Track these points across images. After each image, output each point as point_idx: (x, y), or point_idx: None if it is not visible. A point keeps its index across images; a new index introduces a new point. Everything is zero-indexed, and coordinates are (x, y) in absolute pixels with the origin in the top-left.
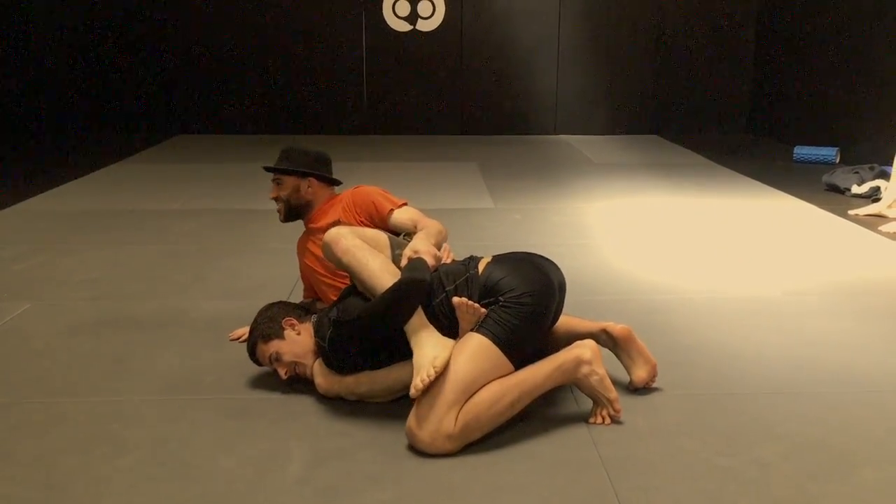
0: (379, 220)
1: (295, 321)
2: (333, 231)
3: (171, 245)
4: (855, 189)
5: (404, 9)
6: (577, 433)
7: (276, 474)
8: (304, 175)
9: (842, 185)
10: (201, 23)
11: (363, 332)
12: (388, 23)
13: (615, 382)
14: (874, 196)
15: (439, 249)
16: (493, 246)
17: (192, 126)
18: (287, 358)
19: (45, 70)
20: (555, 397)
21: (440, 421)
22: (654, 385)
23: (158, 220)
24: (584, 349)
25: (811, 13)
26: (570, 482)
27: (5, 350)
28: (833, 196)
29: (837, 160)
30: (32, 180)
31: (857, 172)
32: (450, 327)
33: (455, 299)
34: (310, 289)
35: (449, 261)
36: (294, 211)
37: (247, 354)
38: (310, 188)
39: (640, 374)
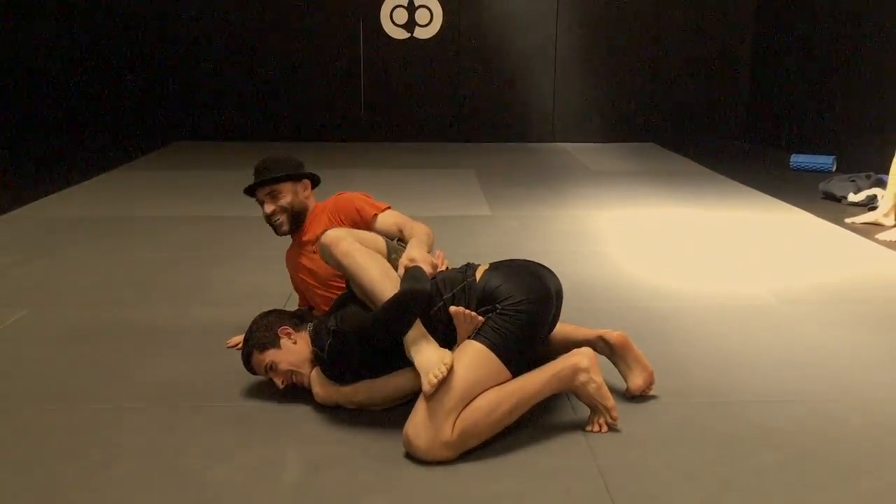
0: (363, 226)
1: (291, 330)
2: (332, 233)
3: (167, 252)
4: (851, 197)
5: (402, 16)
6: (574, 441)
7: (272, 482)
8: (298, 178)
9: (838, 193)
10: (199, 30)
11: (363, 342)
12: (386, 30)
13: (612, 390)
14: (871, 204)
15: (428, 253)
16: (490, 253)
17: (190, 133)
18: (283, 367)
19: (42, 76)
20: (551, 405)
21: (438, 429)
22: (651, 392)
23: (155, 227)
24: (582, 357)
25: (807, 22)
26: (567, 490)
27: (1, 356)
28: (830, 204)
29: (834, 168)
30: (30, 187)
31: (853, 181)
32: (446, 335)
33: (452, 309)
34: (304, 299)
35: (444, 267)
36: (297, 218)
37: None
38: (305, 191)
39: (636, 381)
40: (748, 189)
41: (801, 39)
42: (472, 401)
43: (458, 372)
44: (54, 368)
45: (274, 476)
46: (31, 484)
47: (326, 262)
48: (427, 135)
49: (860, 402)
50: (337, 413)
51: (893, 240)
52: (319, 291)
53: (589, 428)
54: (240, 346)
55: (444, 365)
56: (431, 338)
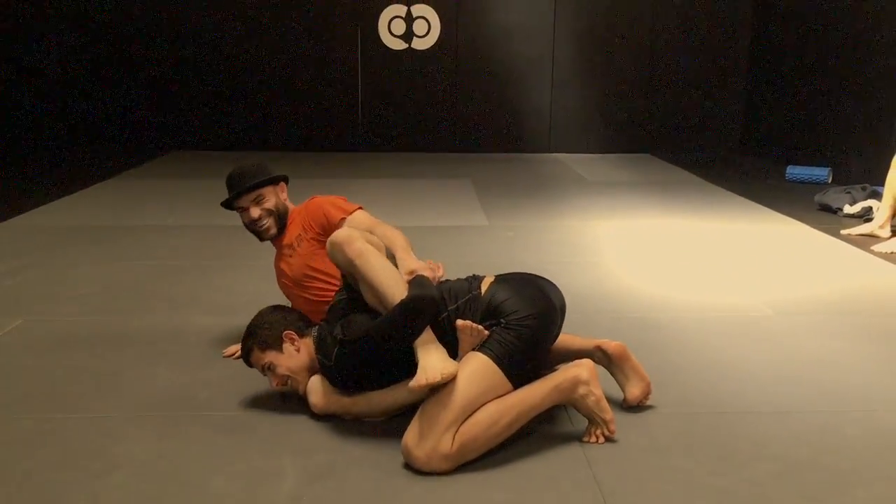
0: (331, 231)
1: (295, 336)
2: (345, 232)
3: (164, 261)
4: (847, 209)
5: (400, 27)
6: (571, 452)
7: (269, 491)
8: (276, 181)
9: (834, 204)
10: (196, 40)
11: (371, 350)
12: (384, 41)
13: (609, 400)
14: (866, 216)
15: None
16: (487, 263)
17: (186, 142)
18: (281, 371)
19: (39, 86)
20: (549, 416)
21: (438, 440)
22: (648, 403)
23: (152, 235)
24: (582, 369)
25: (803, 34)
26: (563, 501)
27: None
28: (825, 216)
29: (830, 180)
30: (26, 195)
31: (849, 192)
32: (451, 345)
33: (460, 322)
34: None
35: (441, 273)
36: (282, 220)
37: (240, 371)
38: (283, 192)
39: (633, 391)
40: (744, 200)
41: (797, 51)
42: (472, 413)
43: (461, 384)
44: (51, 378)
45: (272, 485)
46: (28, 494)
47: (334, 261)
48: (424, 145)
49: (856, 413)
50: (335, 423)
51: (889, 251)
52: (296, 291)
53: (586, 439)
54: (237, 355)
55: (444, 374)
56: (441, 345)
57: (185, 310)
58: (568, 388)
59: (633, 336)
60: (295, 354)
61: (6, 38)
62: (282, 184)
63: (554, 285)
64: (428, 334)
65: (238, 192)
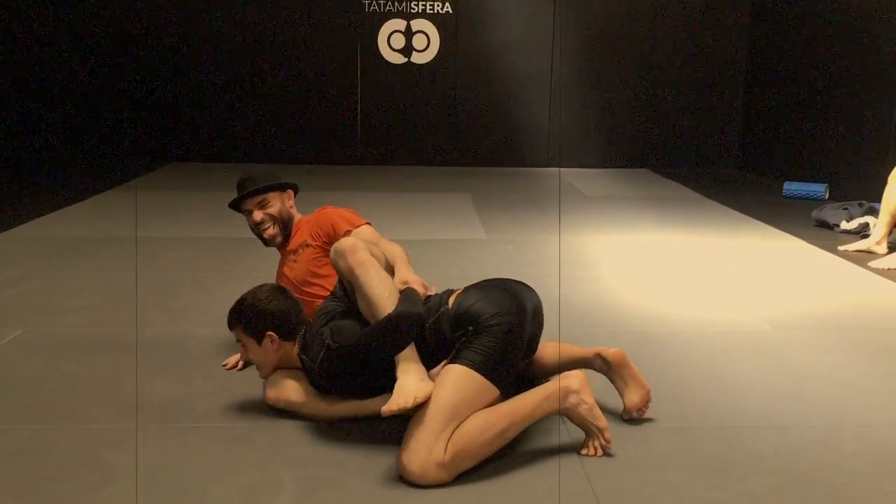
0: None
1: (276, 338)
2: (350, 240)
3: (163, 272)
4: (844, 225)
5: (399, 41)
6: (568, 464)
7: (267, 503)
8: (283, 188)
9: (831, 220)
10: (196, 52)
11: (355, 358)
12: (383, 55)
13: (608, 413)
14: (863, 232)
15: None
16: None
17: (186, 155)
18: (251, 357)
19: (38, 97)
20: (547, 427)
21: (429, 450)
22: (646, 416)
23: (151, 247)
24: (572, 379)
25: (800, 50)
26: None
27: None
28: (822, 232)
29: (827, 196)
30: (25, 206)
31: (845, 209)
32: (428, 359)
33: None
34: None
35: (433, 291)
36: (287, 226)
37: (239, 382)
38: (289, 200)
39: (633, 398)
40: (741, 216)
41: (795, 67)
42: (463, 422)
43: (441, 394)
44: (50, 388)
45: (269, 497)
46: None
47: (335, 267)
48: (423, 159)
49: (854, 428)
50: (333, 434)
51: (886, 268)
52: (295, 295)
53: (584, 451)
54: (239, 367)
55: (417, 398)
56: (421, 365)
57: (185, 321)
58: (558, 397)
59: (632, 350)
60: (270, 352)
61: (6, 48)
62: (289, 191)
63: (527, 287)
64: (411, 350)
65: (244, 195)
